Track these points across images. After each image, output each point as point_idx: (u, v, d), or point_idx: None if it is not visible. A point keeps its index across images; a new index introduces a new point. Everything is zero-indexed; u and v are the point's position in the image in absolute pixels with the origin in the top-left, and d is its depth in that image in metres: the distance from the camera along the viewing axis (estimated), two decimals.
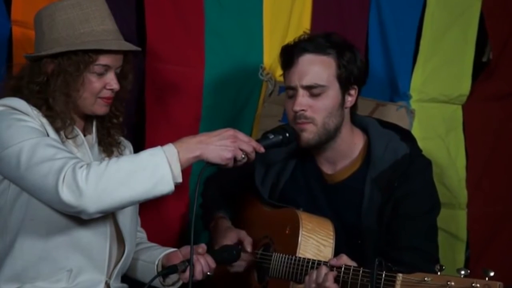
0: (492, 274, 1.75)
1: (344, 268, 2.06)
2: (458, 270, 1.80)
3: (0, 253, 2.11)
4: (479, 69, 3.03)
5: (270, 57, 2.95)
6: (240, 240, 2.41)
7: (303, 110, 2.30)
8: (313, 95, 2.31)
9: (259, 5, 2.95)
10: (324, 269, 2.08)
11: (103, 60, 2.11)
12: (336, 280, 2.06)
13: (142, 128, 2.89)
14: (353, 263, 2.07)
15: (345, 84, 2.34)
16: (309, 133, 2.32)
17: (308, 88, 2.30)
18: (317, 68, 2.31)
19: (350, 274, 2.04)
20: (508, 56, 3.02)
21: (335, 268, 2.08)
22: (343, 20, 2.99)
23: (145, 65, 2.87)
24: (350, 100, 2.38)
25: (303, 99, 2.30)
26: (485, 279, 1.76)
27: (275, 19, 2.96)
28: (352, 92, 2.37)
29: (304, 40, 2.36)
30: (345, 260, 2.08)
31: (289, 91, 2.36)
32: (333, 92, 2.32)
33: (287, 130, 2.25)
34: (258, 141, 2.13)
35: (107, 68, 2.13)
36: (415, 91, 2.99)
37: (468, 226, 3.04)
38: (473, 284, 1.76)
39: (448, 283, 1.79)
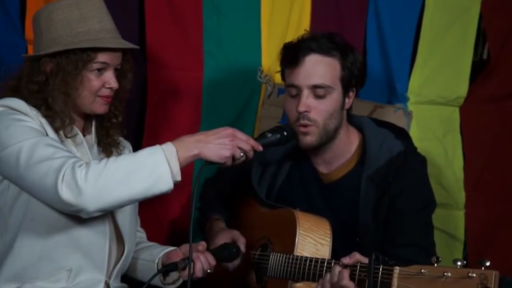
0: (488, 263, 1.76)
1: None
2: (455, 261, 1.80)
3: (0, 253, 2.11)
4: (476, 70, 3.03)
5: (269, 60, 2.96)
6: (234, 240, 2.39)
7: (307, 111, 2.28)
8: (317, 96, 2.29)
9: (257, 8, 2.95)
10: (337, 268, 2.04)
11: (101, 57, 2.12)
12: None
13: (143, 131, 2.92)
14: (365, 260, 2.02)
15: (346, 86, 2.34)
16: (312, 136, 2.31)
17: (314, 88, 2.28)
18: (323, 69, 2.29)
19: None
20: (505, 58, 3.01)
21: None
22: (342, 22, 2.99)
23: (146, 71, 2.89)
24: (348, 102, 2.38)
25: (308, 100, 2.28)
26: (481, 268, 1.76)
27: (273, 21, 2.96)
28: (351, 94, 2.38)
29: (309, 39, 2.33)
30: (358, 257, 2.04)
31: (291, 89, 2.32)
32: (337, 94, 2.32)
33: (284, 129, 2.25)
34: (256, 139, 2.13)
35: (105, 66, 2.14)
36: (412, 93, 2.99)
37: (466, 226, 3.03)
38: (470, 274, 1.76)
39: (445, 274, 1.79)
